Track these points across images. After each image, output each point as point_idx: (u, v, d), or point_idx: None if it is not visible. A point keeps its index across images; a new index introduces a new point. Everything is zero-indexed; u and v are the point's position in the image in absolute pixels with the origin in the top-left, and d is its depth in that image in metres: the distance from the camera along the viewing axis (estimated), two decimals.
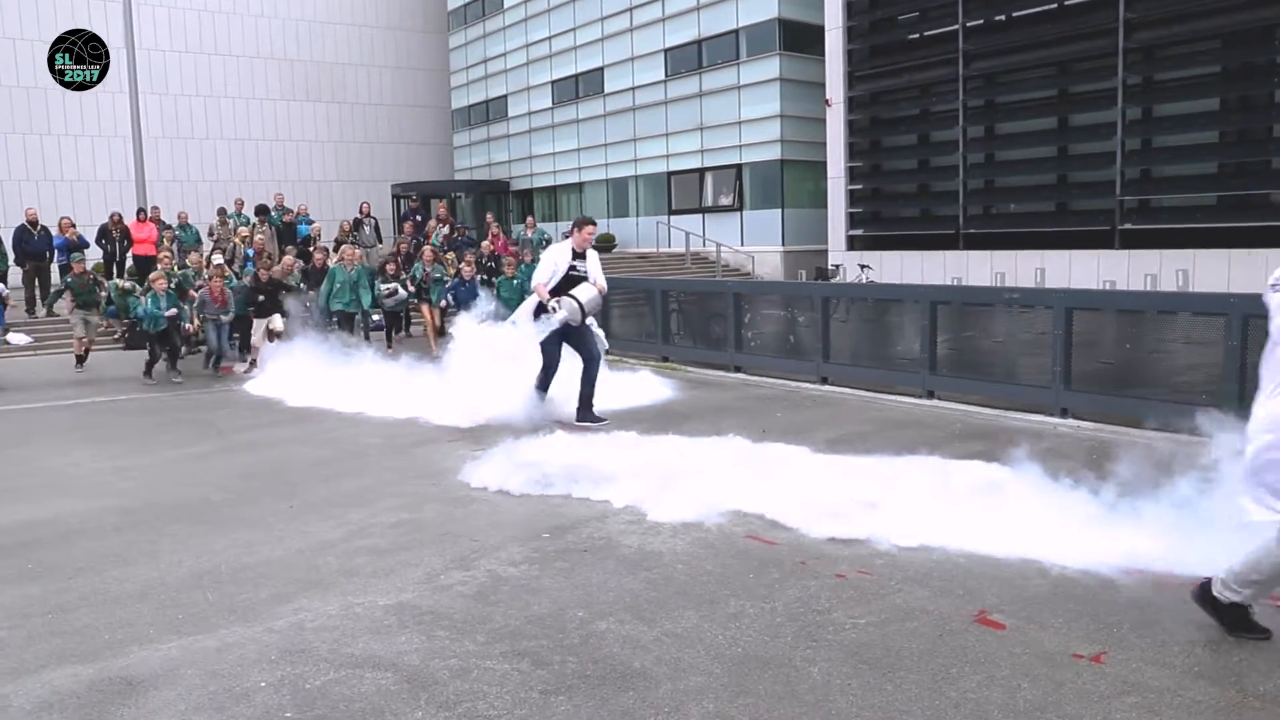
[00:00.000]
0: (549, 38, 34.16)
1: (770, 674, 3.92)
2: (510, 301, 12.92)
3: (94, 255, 18.76)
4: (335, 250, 17.56)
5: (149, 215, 19.69)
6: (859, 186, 24.99)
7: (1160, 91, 19.92)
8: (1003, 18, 21.81)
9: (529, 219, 22.24)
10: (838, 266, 24.44)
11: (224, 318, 13.58)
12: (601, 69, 32.30)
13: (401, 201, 33.08)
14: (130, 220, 19.42)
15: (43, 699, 3.91)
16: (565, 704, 3.72)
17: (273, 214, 21.09)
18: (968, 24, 22.00)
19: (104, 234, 18.91)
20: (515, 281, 14.52)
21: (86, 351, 14.22)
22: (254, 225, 19.13)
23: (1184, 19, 18.89)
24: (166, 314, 13.00)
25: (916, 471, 6.73)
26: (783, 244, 27.14)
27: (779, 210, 27.31)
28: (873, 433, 8.85)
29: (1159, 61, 19.78)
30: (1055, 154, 21.75)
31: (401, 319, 16.67)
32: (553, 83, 34.40)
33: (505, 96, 36.65)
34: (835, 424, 9.31)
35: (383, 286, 14.89)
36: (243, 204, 21.87)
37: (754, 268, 27.15)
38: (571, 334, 9.47)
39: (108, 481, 7.70)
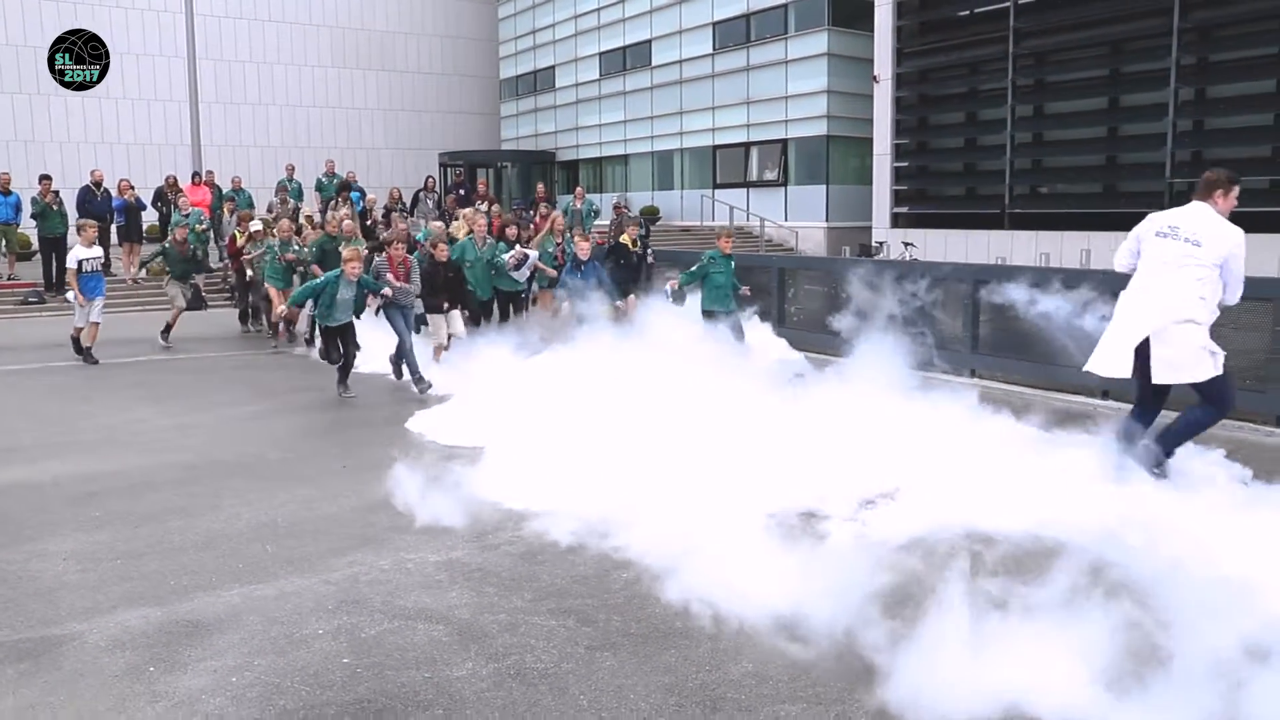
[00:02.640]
0: (598, 9, 34.13)
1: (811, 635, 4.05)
2: (726, 289, 10.74)
3: (149, 217, 19.09)
4: (384, 218, 17.57)
5: (204, 179, 20.02)
6: (905, 164, 24.83)
7: (1215, 72, 19.58)
8: None
9: (578, 189, 22.22)
10: (881, 244, 24.34)
11: (406, 301, 10.21)
12: (649, 41, 32.25)
13: (449, 171, 33.31)
14: (185, 183, 19.68)
15: (115, 637, 4.17)
16: (610, 659, 3.90)
17: (321, 179, 21.24)
18: (1019, 1, 21.72)
19: (159, 196, 19.18)
20: (732, 261, 11.00)
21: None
22: (334, 201, 18.51)
23: None
24: (379, 292, 9.88)
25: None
26: (827, 220, 27.05)
27: (824, 186, 27.20)
28: None
29: (1215, 42, 19.43)
30: (1105, 134, 21.47)
31: (524, 298, 12.77)
32: (600, 54, 34.40)
33: (553, 67, 36.70)
34: None
35: (505, 257, 12.10)
36: (294, 169, 21.92)
37: (798, 243, 27.09)
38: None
39: (170, 438, 7.99)
